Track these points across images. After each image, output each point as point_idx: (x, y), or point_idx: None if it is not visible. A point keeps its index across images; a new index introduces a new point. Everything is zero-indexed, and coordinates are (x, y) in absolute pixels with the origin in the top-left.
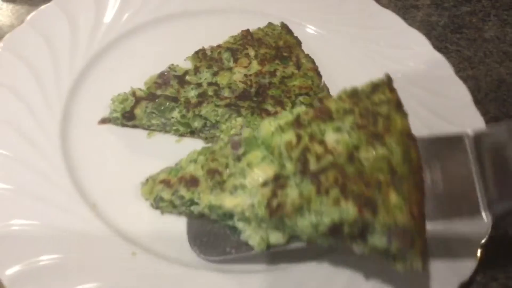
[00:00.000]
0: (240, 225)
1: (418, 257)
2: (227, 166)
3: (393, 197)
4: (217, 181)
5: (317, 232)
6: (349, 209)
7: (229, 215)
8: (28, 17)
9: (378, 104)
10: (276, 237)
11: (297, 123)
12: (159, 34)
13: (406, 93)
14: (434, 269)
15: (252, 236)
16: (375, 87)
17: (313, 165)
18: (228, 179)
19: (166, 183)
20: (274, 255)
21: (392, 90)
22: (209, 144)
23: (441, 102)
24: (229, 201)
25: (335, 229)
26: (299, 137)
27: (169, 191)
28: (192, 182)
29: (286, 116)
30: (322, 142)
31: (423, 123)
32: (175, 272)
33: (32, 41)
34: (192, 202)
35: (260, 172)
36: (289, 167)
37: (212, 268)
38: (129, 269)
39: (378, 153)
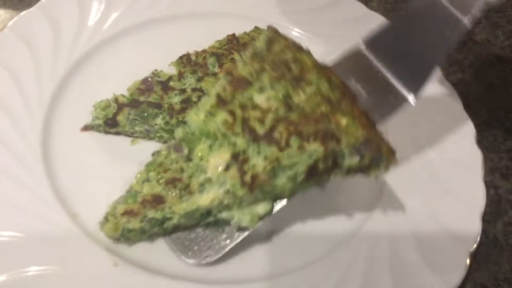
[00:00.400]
0: (224, 215)
1: (390, 155)
2: (182, 170)
3: (343, 120)
4: (181, 187)
5: (296, 183)
6: (315, 149)
7: (207, 213)
8: (10, 23)
9: (281, 53)
10: (263, 207)
11: (221, 101)
12: (144, 38)
13: None
14: (423, 277)
15: (242, 217)
16: (268, 41)
17: (260, 130)
18: (191, 181)
19: (129, 213)
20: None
21: (285, 37)
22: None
23: (430, 106)
24: (203, 200)
25: (312, 172)
26: (232, 113)
27: (136, 219)
28: (156, 200)
29: (207, 101)
30: (255, 107)
31: (414, 125)
32: (159, 284)
33: (13, 47)
34: (164, 219)
35: (217, 160)
36: (240, 142)
37: (200, 280)
38: (111, 280)
39: (308, 92)
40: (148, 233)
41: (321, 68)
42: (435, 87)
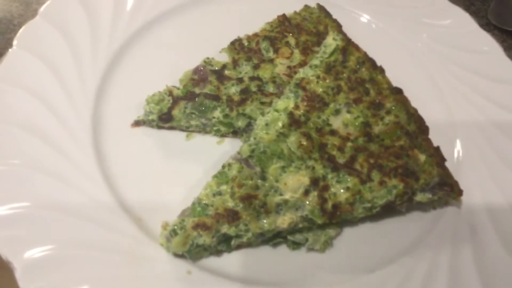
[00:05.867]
0: (297, 237)
1: (458, 194)
2: (257, 187)
3: (421, 157)
4: (257, 205)
5: (371, 213)
6: (396, 185)
7: (278, 233)
8: (41, 9)
9: (357, 70)
10: (334, 231)
11: (294, 122)
12: (187, 21)
13: (459, 78)
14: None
15: (316, 240)
16: (343, 51)
17: (340, 158)
18: (267, 200)
19: (202, 226)
20: None
21: (357, 47)
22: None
23: (494, 86)
24: (281, 221)
25: (387, 205)
26: (307, 136)
27: (208, 234)
28: (231, 216)
29: (276, 119)
30: (333, 132)
31: (479, 110)
32: None
33: (48, 37)
34: (235, 236)
35: (295, 183)
36: (319, 168)
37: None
38: None
39: (388, 122)
40: (211, 250)
41: (396, 93)
42: (496, 65)
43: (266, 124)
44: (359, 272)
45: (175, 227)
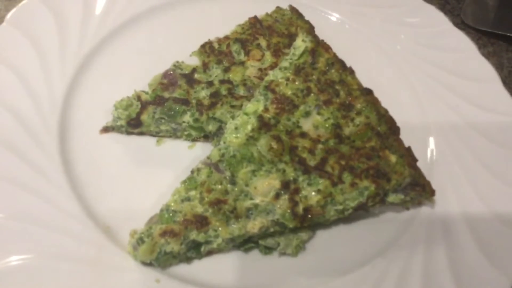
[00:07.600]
0: (269, 242)
1: (430, 194)
2: (226, 192)
3: (392, 158)
4: (227, 210)
5: (343, 215)
6: (367, 187)
7: (249, 238)
8: (8, 15)
9: (326, 71)
10: (306, 234)
11: (264, 125)
12: (157, 25)
13: (433, 78)
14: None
15: (288, 244)
16: (312, 52)
17: (311, 161)
18: (237, 205)
19: (170, 233)
20: None
21: (327, 48)
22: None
23: (469, 85)
24: (251, 226)
25: (360, 207)
26: (277, 139)
27: (176, 241)
28: (200, 222)
29: (246, 122)
30: (303, 135)
31: (454, 109)
32: None
33: (16, 43)
34: (204, 243)
35: (265, 187)
36: (289, 171)
37: None
38: None
39: (359, 123)
40: (180, 258)
41: (366, 94)
42: (472, 64)
43: (236, 128)
44: (333, 275)
45: (142, 235)
